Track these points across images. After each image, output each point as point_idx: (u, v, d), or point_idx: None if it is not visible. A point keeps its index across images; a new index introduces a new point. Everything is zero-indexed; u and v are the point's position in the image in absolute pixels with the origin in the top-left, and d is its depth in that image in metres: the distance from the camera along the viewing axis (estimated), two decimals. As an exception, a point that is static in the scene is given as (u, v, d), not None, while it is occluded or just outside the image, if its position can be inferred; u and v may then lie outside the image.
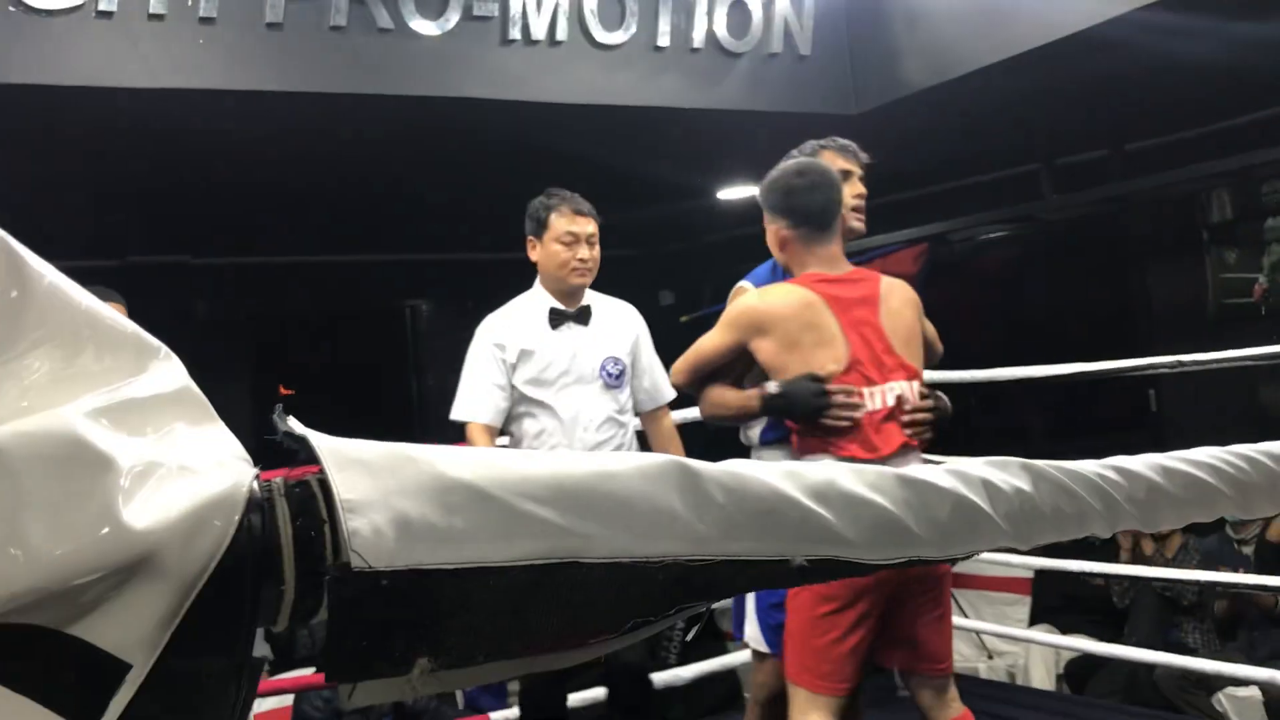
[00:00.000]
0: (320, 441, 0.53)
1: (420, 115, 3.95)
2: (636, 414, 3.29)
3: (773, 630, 2.60)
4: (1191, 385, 4.92)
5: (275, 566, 0.50)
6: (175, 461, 0.48)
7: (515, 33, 3.79)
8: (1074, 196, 4.94)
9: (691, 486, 0.53)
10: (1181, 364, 3.80)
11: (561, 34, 3.86)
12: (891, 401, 2.33)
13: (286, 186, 4.96)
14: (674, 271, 7.27)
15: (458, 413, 3.12)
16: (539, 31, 3.83)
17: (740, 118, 4.26)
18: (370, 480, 0.51)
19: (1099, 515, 0.67)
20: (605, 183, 5.16)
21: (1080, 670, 4.90)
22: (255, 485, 0.51)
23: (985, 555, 5.14)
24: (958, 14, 3.92)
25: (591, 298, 3.22)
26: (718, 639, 5.25)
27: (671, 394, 3.21)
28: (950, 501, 0.62)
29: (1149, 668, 4.56)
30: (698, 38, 4.07)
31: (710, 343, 2.54)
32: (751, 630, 2.71)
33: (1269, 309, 5.26)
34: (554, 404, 3.08)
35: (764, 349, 2.41)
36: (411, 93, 3.70)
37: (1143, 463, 0.70)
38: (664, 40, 4.00)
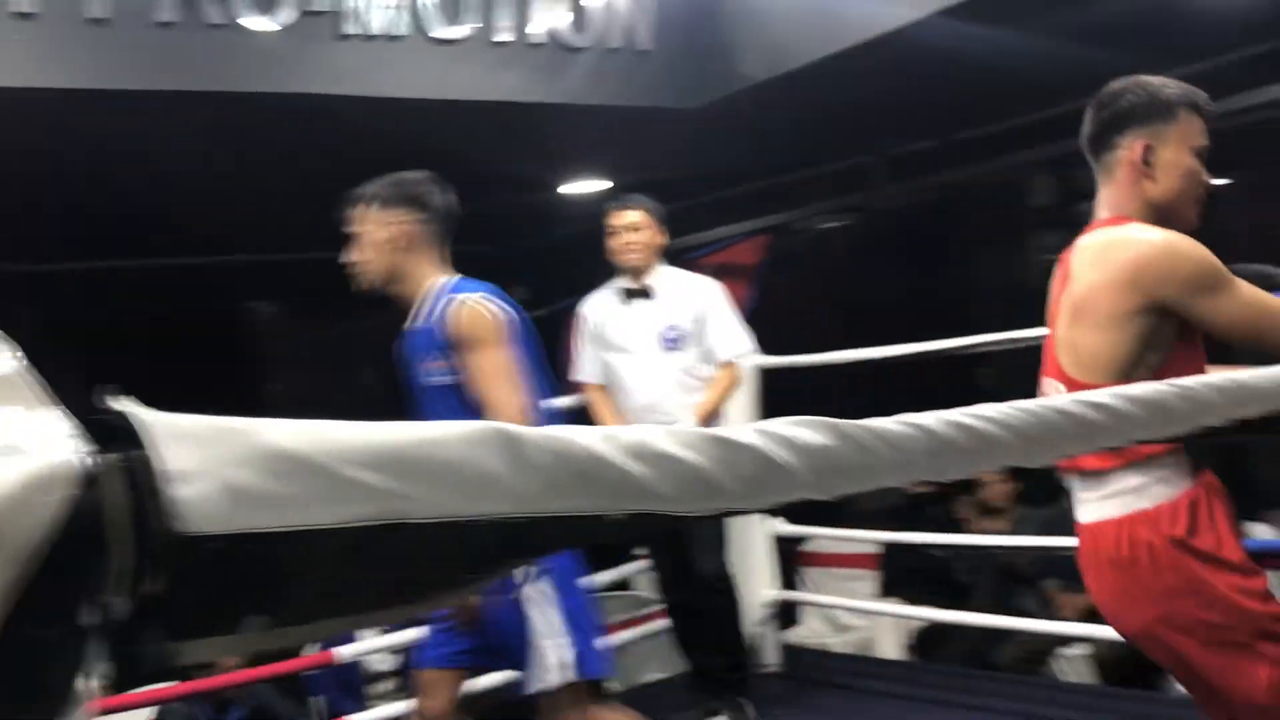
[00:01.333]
0: (145, 415, 0.55)
1: (256, 113, 3.87)
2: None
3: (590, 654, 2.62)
4: (1020, 362, 5.18)
5: (108, 539, 0.52)
6: (2, 442, 0.49)
7: (351, 27, 3.75)
8: (906, 185, 5.15)
9: (513, 449, 0.57)
10: (1014, 340, 4.01)
11: (399, 29, 3.84)
12: None
13: (114, 188, 4.79)
14: (527, 267, 7.27)
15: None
16: (377, 26, 3.80)
17: (582, 112, 4.31)
18: (198, 451, 0.53)
19: (896, 467, 0.73)
20: (450, 178, 5.15)
21: (928, 640, 5.12)
22: (86, 461, 0.52)
23: (832, 531, 5.32)
24: (791, 9, 4.05)
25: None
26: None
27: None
28: (756, 457, 0.67)
29: (992, 634, 4.81)
30: (537, 32, 4.10)
31: None
32: (558, 657, 2.60)
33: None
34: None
35: None
36: (245, 89, 3.63)
37: (935, 418, 0.76)
38: (503, 35, 4.02)
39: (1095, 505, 2.11)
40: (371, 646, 4.34)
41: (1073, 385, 2.06)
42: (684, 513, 0.63)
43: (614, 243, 3.93)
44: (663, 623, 4.45)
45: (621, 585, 5.07)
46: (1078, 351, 2.09)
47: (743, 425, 0.69)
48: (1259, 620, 1.96)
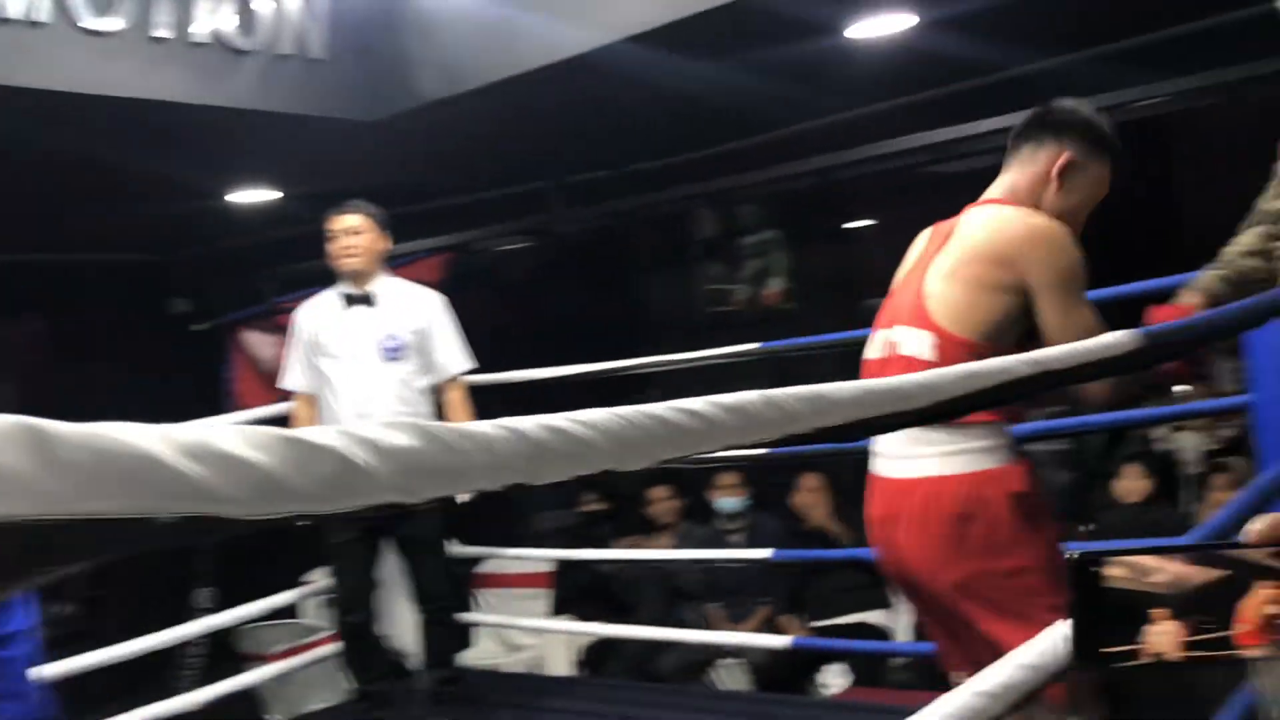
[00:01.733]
0: None
1: None
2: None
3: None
4: (685, 382, 5.42)
5: None
6: None
7: (-15, 9, 3.43)
8: (582, 211, 5.27)
9: (41, 444, 0.53)
10: (673, 362, 4.21)
11: (42, 15, 3.54)
12: None
13: None
14: (187, 278, 6.86)
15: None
16: (15, 10, 3.49)
17: (249, 117, 4.13)
18: None
19: (487, 470, 0.74)
20: (100, 180, 4.79)
21: (597, 655, 5.23)
22: None
23: (505, 551, 5.34)
24: (468, 29, 4.06)
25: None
26: (234, 660, 5.05)
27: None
28: (334, 458, 0.65)
29: (658, 646, 4.98)
30: (200, 32, 3.89)
31: None
32: None
33: (747, 316, 5.93)
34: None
35: None
36: None
37: (532, 422, 0.78)
38: (161, 31, 3.79)
39: (932, 461, 2.18)
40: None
41: (945, 336, 2.16)
42: (246, 515, 0.60)
43: (333, 247, 3.88)
44: (329, 649, 4.31)
45: (287, 612, 4.87)
46: (955, 306, 2.18)
47: (326, 427, 0.68)
48: (1052, 594, 2.08)
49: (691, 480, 5.39)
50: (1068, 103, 2.32)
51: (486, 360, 5.09)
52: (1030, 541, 2.13)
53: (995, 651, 2.19)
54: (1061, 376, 1.27)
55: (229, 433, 0.62)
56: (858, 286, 5.21)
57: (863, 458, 2.37)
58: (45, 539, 0.53)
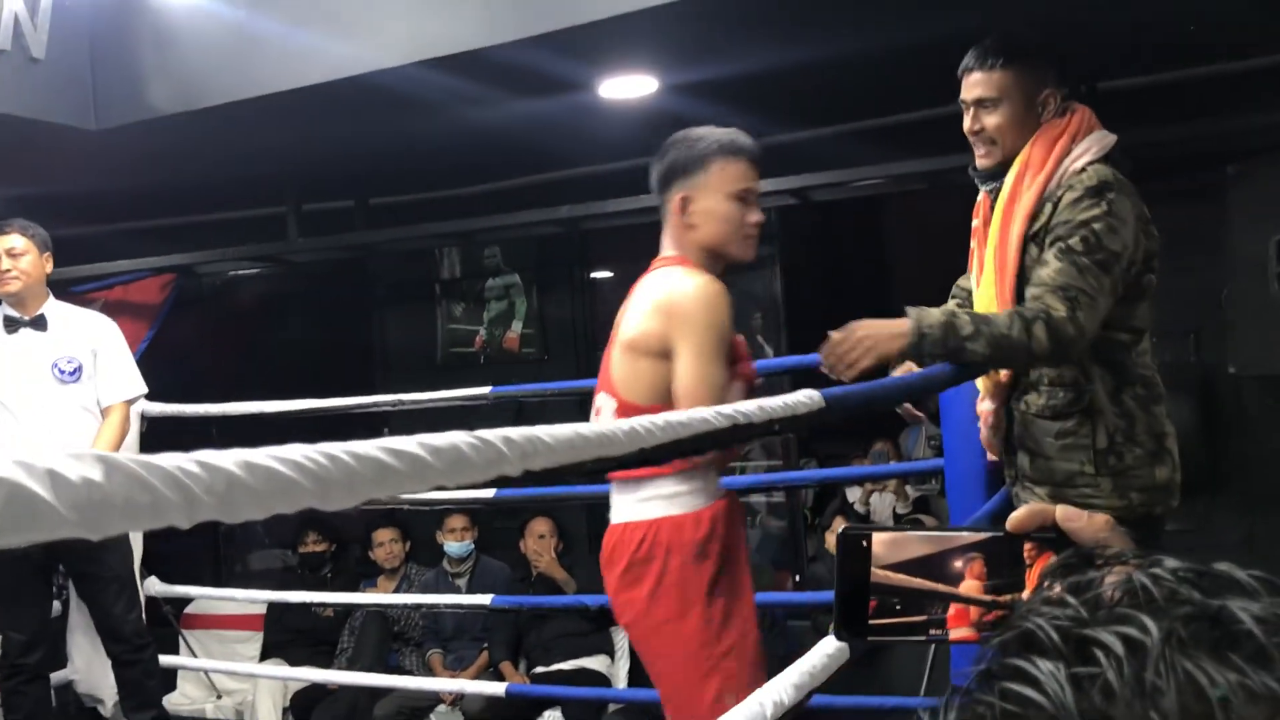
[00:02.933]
0: None
1: None
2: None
3: None
4: (419, 423, 5.36)
5: None
6: None
7: None
8: (320, 241, 5.14)
9: None
10: (402, 403, 4.16)
11: None
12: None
13: None
14: None
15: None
16: None
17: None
18: None
19: (176, 506, 0.72)
20: None
21: (306, 700, 5.03)
22: None
23: (214, 591, 5.08)
24: (207, 45, 3.91)
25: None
26: None
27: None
28: (5, 490, 0.62)
29: (370, 692, 4.85)
30: (-98, 17, 3.58)
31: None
32: None
33: (487, 359, 5.92)
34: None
35: None
36: None
37: (229, 457, 0.76)
38: None
39: (630, 507, 2.28)
40: None
41: (623, 403, 2.25)
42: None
43: None
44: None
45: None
46: (624, 373, 2.28)
47: (3, 459, 0.64)
48: (714, 651, 2.19)
49: (419, 522, 5.31)
50: (664, 145, 2.39)
51: (205, 389, 4.86)
52: (703, 587, 2.22)
53: (663, 694, 2.31)
54: (753, 429, 1.36)
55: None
56: (599, 335, 5.32)
57: (594, 504, 2.46)
58: None
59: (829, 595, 0.71)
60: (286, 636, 5.30)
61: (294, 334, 6.49)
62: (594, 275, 5.91)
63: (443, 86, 3.61)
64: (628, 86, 3.95)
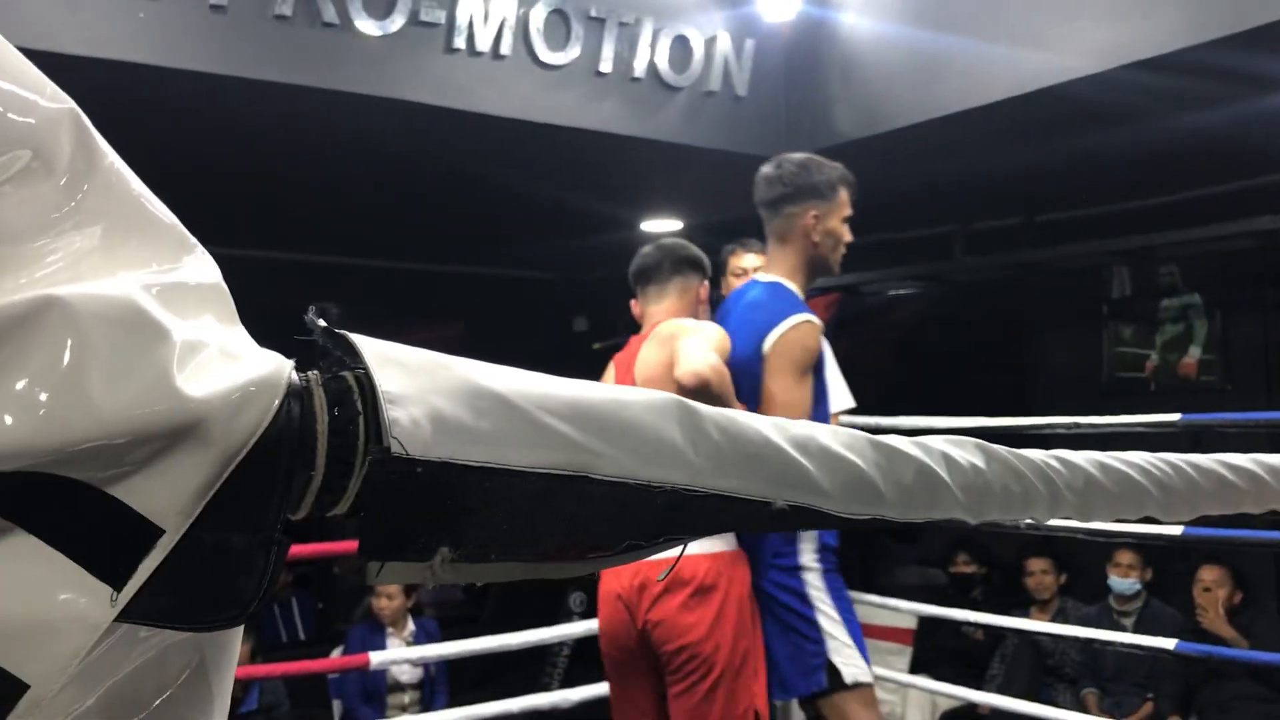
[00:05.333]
0: (360, 339, 0.56)
1: (359, 114, 3.94)
2: None
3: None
4: (1078, 450, 5.12)
5: (308, 452, 0.52)
6: (217, 345, 0.50)
7: (460, 42, 3.81)
8: (984, 260, 5.12)
9: (690, 421, 0.57)
10: (1078, 426, 3.97)
11: (505, 49, 3.90)
12: None
13: (221, 172, 4.87)
14: (590, 299, 7.31)
15: None
16: (484, 44, 3.86)
17: (674, 151, 4.34)
18: (408, 378, 0.54)
19: (1043, 499, 0.72)
20: (531, 204, 5.20)
21: (954, 718, 5.02)
22: (294, 374, 0.53)
23: (874, 599, 5.24)
24: (890, 70, 4.06)
25: None
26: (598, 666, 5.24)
27: None
28: (914, 467, 0.66)
29: (1019, 721, 4.70)
30: (639, 67, 4.14)
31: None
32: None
33: (1158, 385, 5.50)
34: None
35: None
36: (351, 89, 3.69)
37: (1084, 457, 0.75)
38: (606, 66, 4.06)
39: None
40: (402, 656, 4.34)
41: None
42: (843, 513, 0.62)
43: (728, 281, 4.04)
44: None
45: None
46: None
47: (897, 437, 0.69)
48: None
49: (1079, 554, 5.06)
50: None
51: (869, 402, 5.04)
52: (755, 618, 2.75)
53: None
54: None
55: (824, 430, 0.64)
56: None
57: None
58: (683, 507, 0.57)
59: None
60: (936, 655, 5.33)
61: (947, 350, 6.52)
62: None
63: (1146, 90, 3.41)
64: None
